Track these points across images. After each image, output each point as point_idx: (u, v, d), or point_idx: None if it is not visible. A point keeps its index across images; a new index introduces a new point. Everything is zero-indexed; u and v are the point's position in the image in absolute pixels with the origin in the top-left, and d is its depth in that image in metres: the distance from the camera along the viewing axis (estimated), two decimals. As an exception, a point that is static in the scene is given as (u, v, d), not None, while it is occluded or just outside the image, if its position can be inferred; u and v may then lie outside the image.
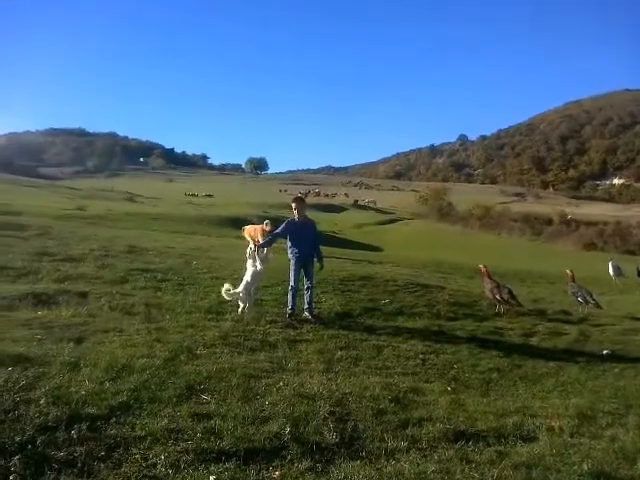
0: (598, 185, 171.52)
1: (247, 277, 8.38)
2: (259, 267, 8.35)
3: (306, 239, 8.62)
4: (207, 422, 4.31)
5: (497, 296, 10.32)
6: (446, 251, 34.12)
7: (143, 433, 4.03)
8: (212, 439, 4.04)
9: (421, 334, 8.39)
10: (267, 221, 15.86)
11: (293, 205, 8.74)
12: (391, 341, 7.77)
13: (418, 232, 52.17)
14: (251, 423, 4.38)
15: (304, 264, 8.60)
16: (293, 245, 8.58)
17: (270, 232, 14.88)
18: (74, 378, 4.86)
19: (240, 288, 8.30)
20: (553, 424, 5.07)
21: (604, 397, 6.25)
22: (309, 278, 8.61)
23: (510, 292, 10.39)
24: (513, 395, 6.18)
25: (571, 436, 4.84)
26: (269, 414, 4.60)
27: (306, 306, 8.55)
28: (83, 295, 8.33)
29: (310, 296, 8.58)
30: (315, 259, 8.77)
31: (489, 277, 10.76)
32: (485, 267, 11.06)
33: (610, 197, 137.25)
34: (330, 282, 10.76)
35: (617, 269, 19.45)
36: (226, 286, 8.37)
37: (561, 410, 5.54)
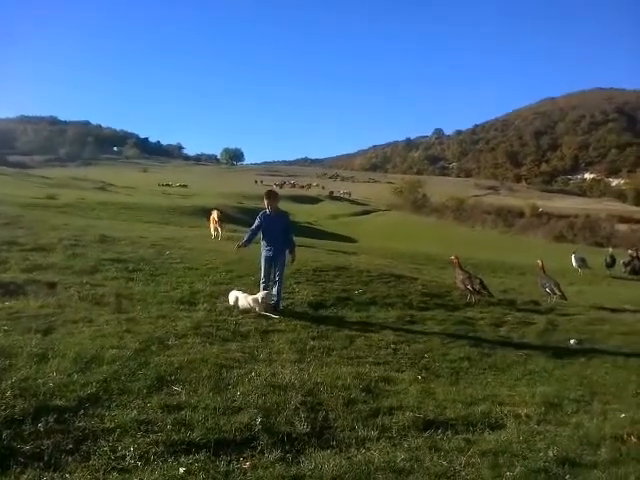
0: (570, 179, 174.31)
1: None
2: None
3: (278, 230, 8.46)
4: (177, 413, 4.30)
5: (468, 286, 10.47)
6: (420, 242, 34.40)
7: (112, 425, 4.01)
8: (182, 430, 4.03)
9: (393, 324, 8.47)
10: (216, 210, 17.27)
11: (265, 198, 8.56)
12: (363, 331, 7.82)
13: (393, 223, 52.43)
14: (222, 414, 4.39)
15: (275, 256, 8.46)
16: (264, 238, 8.49)
17: (219, 219, 16.06)
18: (42, 370, 4.80)
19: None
20: (520, 412, 5.18)
21: (570, 385, 6.41)
22: (279, 270, 8.47)
23: (481, 282, 10.55)
24: (482, 383, 6.28)
25: (538, 423, 4.96)
26: (240, 404, 4.61)
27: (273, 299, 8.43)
28: (52, 285, 8.19)
29: (278, 290, 8.44)
30: (287, 250, 8.62)
31: (460, 268, 10.91)
32: (456, 258, 11.19)
33: (581, 191, 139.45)
34: (304, 272, 10.76)
35: (581, 261, 19.81)
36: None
37: (528, 398, 5.66)
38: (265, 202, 8.48)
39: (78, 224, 16.20)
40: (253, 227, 8.59)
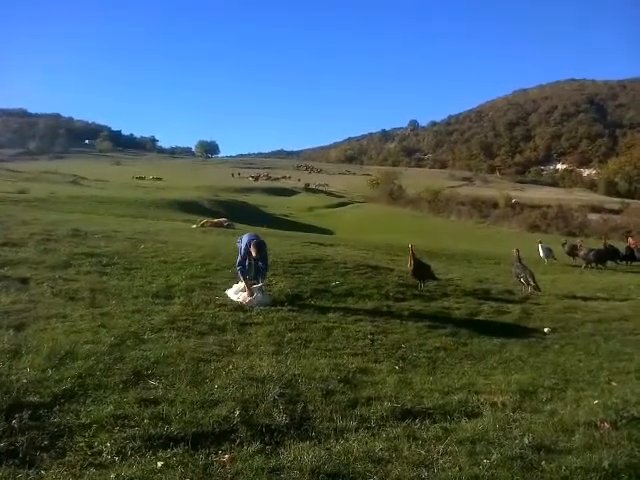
0: (542, 170, 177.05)
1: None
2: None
3: (255, 266, 8.71)
4: (154, 408, 4.27)
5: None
6: (396, 234, 34.56)
7: (88, 420, 3.96)
8: (160, 425, 4.01)
9: (370, 315, 8.49)
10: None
11: (257, 250, 8.48)
12: (341, 322, 7.83)
13: (369, 215, 52.69)
14: (200, 407, 4.37)
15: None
16: (249, 272, 8.63)
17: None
18: (15, 366, 4.73)
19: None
20: (496, 400, 5.24)
21: (544, 373, 6.49)
22: (262, 274, 8.68)
23: (427, 270, 11.18)
24: (458, 373, 6.33)
25: (513, 411, 5.01)
26: (218, 398, 4.59)
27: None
28: (24, 281, 8.04)
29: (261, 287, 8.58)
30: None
31: (414, 257, 11.03)
32: (412, 247, 11.35)
33: (553, 181, 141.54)
34: (280, 264, 10.74)
35: (547, 251, 20.21)
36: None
37: (504, 386, 5.73)
38: (255, 252, 8.43)
39: (50, 218, 15.92)
40: (240, 260, 8.56)
